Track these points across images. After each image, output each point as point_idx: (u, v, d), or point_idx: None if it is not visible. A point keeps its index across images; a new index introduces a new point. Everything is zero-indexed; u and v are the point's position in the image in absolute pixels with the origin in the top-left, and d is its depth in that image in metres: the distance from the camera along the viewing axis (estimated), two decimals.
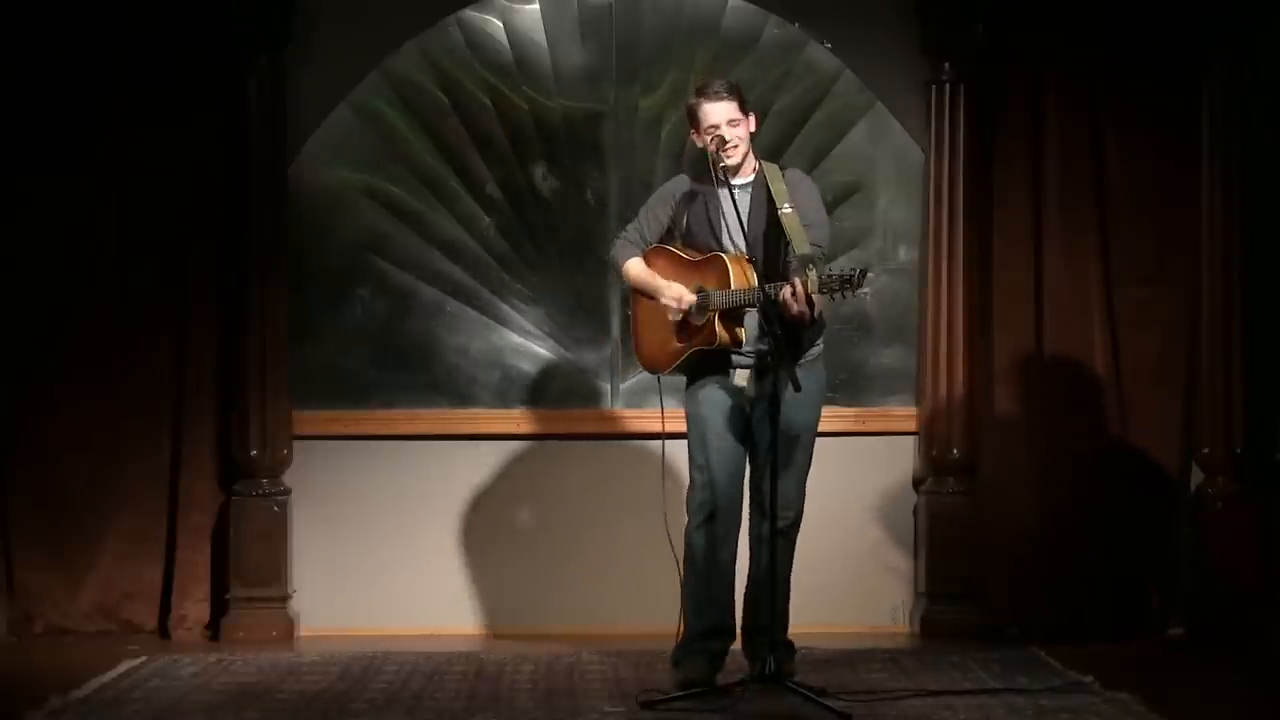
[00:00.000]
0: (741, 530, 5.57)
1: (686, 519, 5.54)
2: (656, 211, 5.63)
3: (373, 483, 6.71)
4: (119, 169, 6.57)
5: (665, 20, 6.71)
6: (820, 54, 6.73)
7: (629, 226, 5.70)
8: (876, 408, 6.78)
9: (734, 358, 5.47)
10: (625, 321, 6.53)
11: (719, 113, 5.43)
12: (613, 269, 5.76)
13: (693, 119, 5.49)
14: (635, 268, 5.61)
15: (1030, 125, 6.66)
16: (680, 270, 5.50)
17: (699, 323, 5.43)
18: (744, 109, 5.47)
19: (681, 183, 5.65)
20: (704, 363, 5.51)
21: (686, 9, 6.72)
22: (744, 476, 5.53)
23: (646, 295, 5.57)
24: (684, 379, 5.60)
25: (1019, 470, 6.65)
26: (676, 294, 5.45)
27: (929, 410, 6.68)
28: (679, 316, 5.46)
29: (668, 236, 5.61)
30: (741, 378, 5.48)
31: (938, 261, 6.64)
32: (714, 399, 5.50)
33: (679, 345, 5.51)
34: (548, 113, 6.73)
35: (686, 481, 5.56)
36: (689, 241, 5.55)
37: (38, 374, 6.56)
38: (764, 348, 5.43)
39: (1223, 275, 6.58)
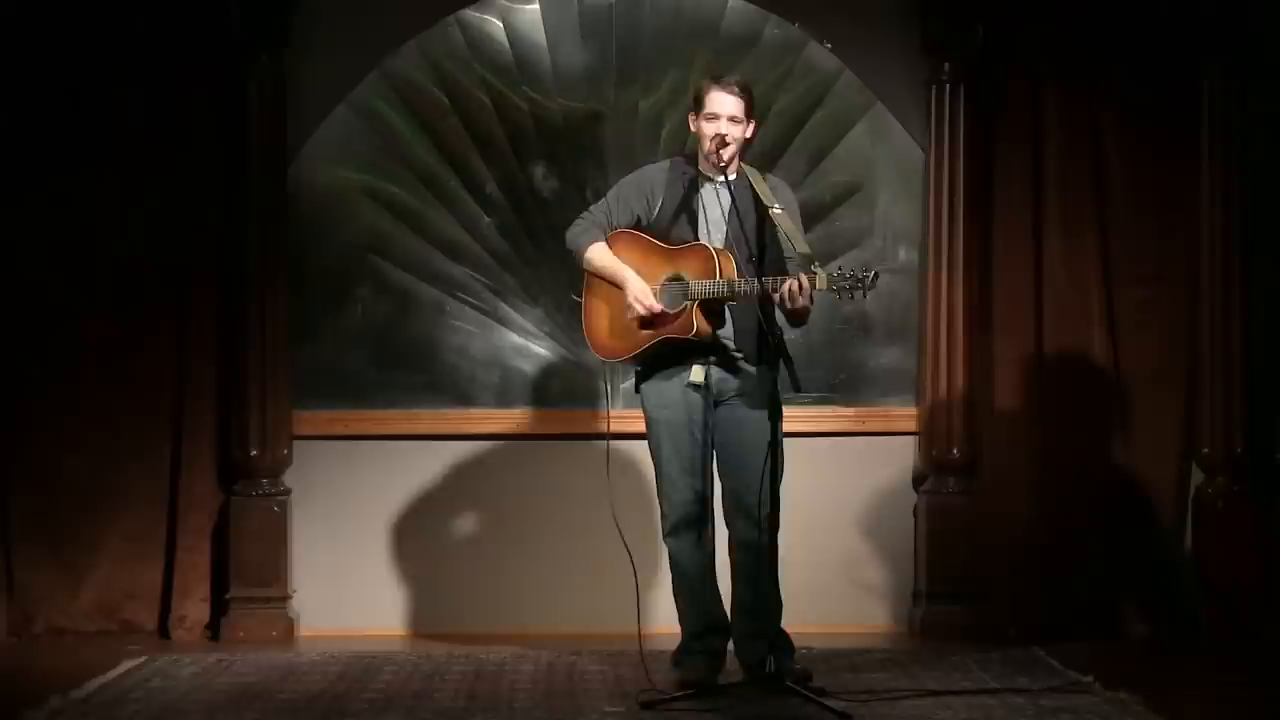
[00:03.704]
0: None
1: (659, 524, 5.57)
2: (629, 199, 5.54)
3: (373, 483, 6.71)
4: (119, 169, 6.57)
5: (665, 20, 6.71)
6: (820, 54, 6.73)
7: (594, 209, 5.61)
8: (876, 407, 6.78)
9: (691, 356, 5.41)
10: None
11: (726, 105, 5.40)
12: (570, 250, 5.60)
13: (697, 102, 5.45)
14: (600, 253, 5.50)
15: (1030, 125, 6.66)
16: (655, 257, 5.42)
17: (673, 310, 5.38)
18: (749, 114, 5.45)
19: (657, 172, 5.59)
20: (662, 355, 5.45)
21: (686, 9, 6.72)
22: (709, 476, 5.49)
23: (609, 283, 5.48)
24: (624, 372, 5.51)
25: (1019, 470, 6.65)
26: (639, 292, 5.37)
27: (929, 410, 6.67)
28: (636, 316, 5.38)
29: (634, 224, 5.52)
30: (698, 374, 5.43)
31: (938, 261, 6.64)
32: (673, 399, 5.46)
33: (645, 333, 5.42)
34: (548, 113, 6.73)
35: (633, 476, 5.52)
36: (660, 232, 5.47)
37: (38, 374, 6.56)
38: (730, 343, 5.42)
39: (1223, 275, 6.59)
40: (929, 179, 6.67)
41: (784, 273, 5.37)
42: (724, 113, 5.40)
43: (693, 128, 5.49)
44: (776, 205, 5.37)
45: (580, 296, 5.65)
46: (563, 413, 6.73)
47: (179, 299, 6.60)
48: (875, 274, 5.18)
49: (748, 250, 5.34)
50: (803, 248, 5.30)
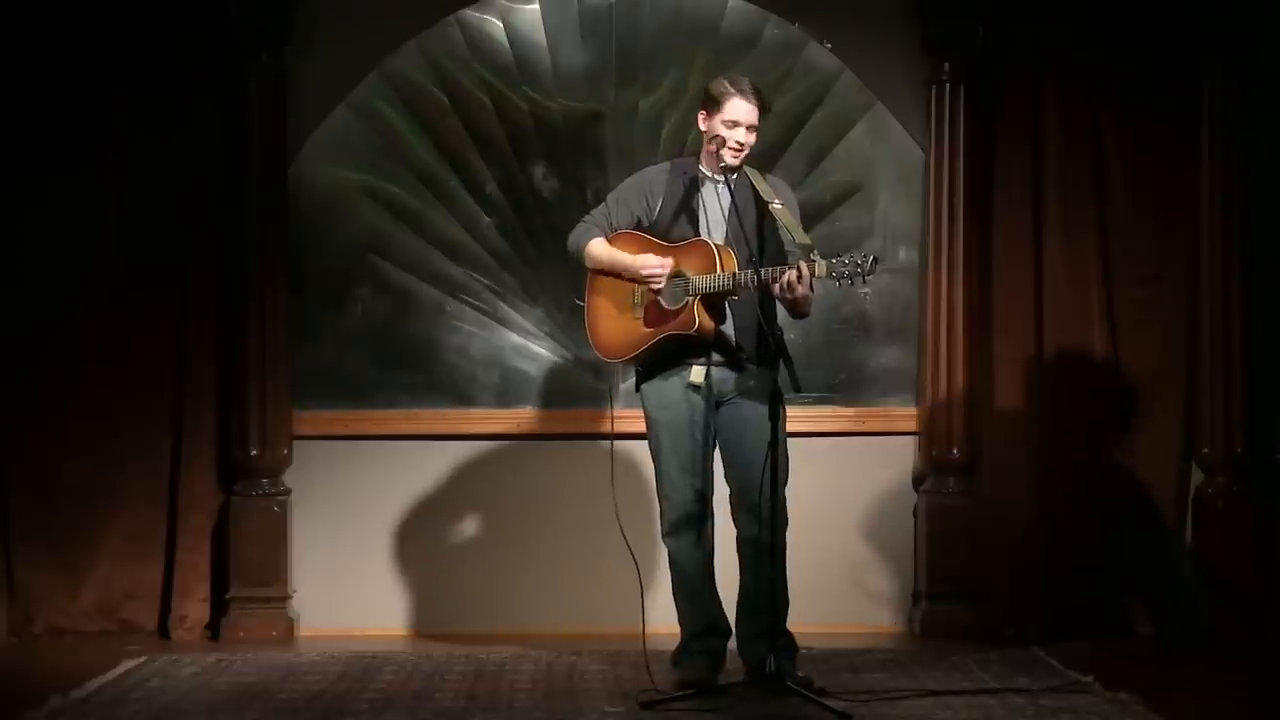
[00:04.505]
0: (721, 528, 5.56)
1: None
2: (629, 201, 5.55)
3: (373, 483, 6.71)
4: (119, 169, 6.58)
5: (665, 20, 6.71)
6: (820, 54, 6.73)
7: (594, 212, 5.62)
8: (876, 407, 6.78)
9: (692, 355, 5.40)
10: None
11: (747, 114, 5.39)
12: (572, 251, 5.60)
13: (715, 104, 5.41)
14: (599, 247, 5.51)
15: (1030, 125, 6.66)
16: (656, 254, 5.41)
17: (674, 307, 5.38)
18: (762, 121, 5.46)
19: (657, 173, 5.60)
20: (662, 355, 5.44)
21: (686, 9, 6.72)
22: (709, 476, 5.48)
23: (612, 274, 5.48)
24: (625, 372, 5.52)
25: (1019, 470, 6.65)
26: (656, 262, 5.36)
27: (929, 410, 6.67)
28: (662, 283, 5.36)
29: (635, 226, 5.52)
30: (698, 374, 5.42)
31: (938, 261, 6.64)
32: (673, 399, 5.45)
33: (647, 330, 5.42)
34: (548, 113, 6.73)
35: (634, 476, 5.52)
36: (660, 232, 5.47)
37: (38, 374, 6.56)
38: (732, 339, 5.41)
39: (1223, 275, 6.59)
40: (929, 179, 6.67)
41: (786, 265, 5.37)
42: (745, 121, 5.39)
43: (703, 125, 5.47)
44: (776, 202, 5.39)
45: (582, 300, 5.65)
46: (563, 413, 6.73)
47: (179, 299, 6.60)
48: (874, 260, 5.16)
49: (748, 249, 5.34)
50: (803, 239, 5.31)
